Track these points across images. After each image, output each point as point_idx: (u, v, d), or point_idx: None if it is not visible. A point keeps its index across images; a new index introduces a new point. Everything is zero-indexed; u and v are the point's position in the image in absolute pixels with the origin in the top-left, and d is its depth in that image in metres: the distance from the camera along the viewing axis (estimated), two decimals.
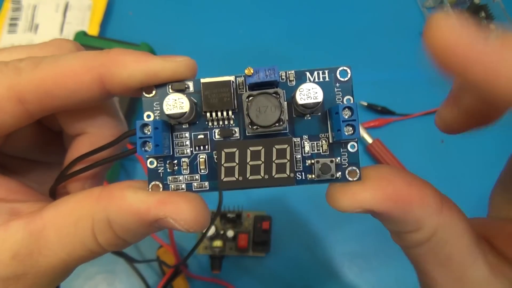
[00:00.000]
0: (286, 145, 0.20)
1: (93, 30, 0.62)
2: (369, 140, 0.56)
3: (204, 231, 0.46)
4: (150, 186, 0.21)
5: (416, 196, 0.19)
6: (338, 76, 0.21)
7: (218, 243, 0.49)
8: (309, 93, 0.20)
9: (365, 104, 0.58)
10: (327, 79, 0.21)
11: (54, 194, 0.24)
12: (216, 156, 0.21)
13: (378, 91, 0.59)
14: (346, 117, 0.19)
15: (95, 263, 0.51)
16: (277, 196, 0.55)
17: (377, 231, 0.53)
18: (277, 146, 0.20)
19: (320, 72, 0.21)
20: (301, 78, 0.21)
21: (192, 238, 0.52)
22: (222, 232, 0.50)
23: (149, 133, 0.20)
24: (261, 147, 0.20)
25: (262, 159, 0.20)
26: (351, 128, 0.19)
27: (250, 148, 0.20)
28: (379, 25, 0.64)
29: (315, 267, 0.52)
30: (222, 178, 0.20)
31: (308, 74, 0.21)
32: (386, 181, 0.19)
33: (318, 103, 0.20)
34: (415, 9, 0.65)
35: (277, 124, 0.20)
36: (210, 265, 0.50)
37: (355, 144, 0.21)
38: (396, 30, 0.64)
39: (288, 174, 0.20)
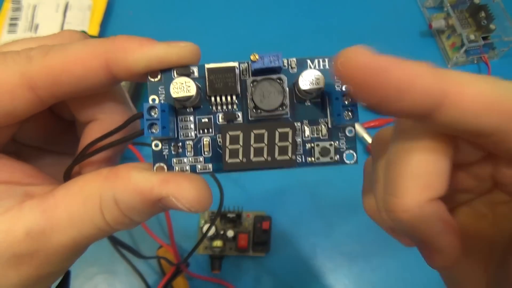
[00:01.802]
0: (289, 129, 0.21)
1: (93, 30, 0.62)
2: (369, 140, 0.56)
3: (204, 231, 0.46)
4: (155, 167, 0.22)
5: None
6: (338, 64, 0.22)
7: (218, 243, 0.49)
8: (312, 79, 0.21)
9: (365, 104, 0.58)
10: (327, 67, 0.22)
11: (69, 177, 0.25)
12: (220, 139, 0.22)
13: None
14: (346, 102, 0.20)
15: (95, 263, 0.51)
16: (277, 196, 0.55)
17: (377, 231, 0.53)
18: (279, 130, 0.21)
19: (321, 60, 0.22)
20: (302, 66, 0.22)
21: (192, 238, 0.52)
22: (222, 232, 0.50)
23: (156, 115, 0.20)
24: (264, 130, 0.21)
25: (266, 141, 0.21)
26: (350, 113, 0.20)
27: (253, 131, 0.21)
28: (379, 25, 0.64)
29: (315, 267, 0.52)
30: (226, 159, 0.21)
31: (309, 61, 0.22)
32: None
33: (320, 88, 0.21)
34: (415, 9, 0.65)
35: (280, 109, 0.21)
36: (210, 265, 0.50)
37: (353, 129, 0.22)
38: (396, 30, 0.64)
39: (290, 156, 0.21)
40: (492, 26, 0.59)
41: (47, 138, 0.27)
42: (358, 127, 0.57)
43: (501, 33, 0.59)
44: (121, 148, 0.27)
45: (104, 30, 0.64)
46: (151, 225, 0.51)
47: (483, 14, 0.60)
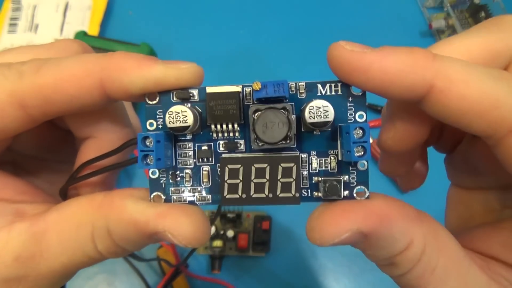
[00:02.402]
0: (293, 164, 0.19)
1: (93, 30, 0.62)
2: (369, 140, 0.56)
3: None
4: (152, 197, 0.21)
5: (396, 209, 0.18)
6: (352, 90, 0.20)
7: (218, 243, 0.49)
8: (319, 111, 0.19)
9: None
10: (339, 92, 0.20)
11: (65, 196, 0.24)
12: (219, 171, 0.20)
13: None
14: (357, 137, 0.18)
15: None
16: None
17: None
18: (283, 165, 0.19)
19: (333, 84, 0.20)
20: (312, 91, 0.20)
21: None
22: (222, 232, 0.50)
23: (150, 145, 0.19)
24: (266, 165, 0.19)
25: (267, 177, 0.19)
26: (361, 149, 0.18)
27: (255, 165, 0.19)
28: (379, 25, 0.64)
29: (315, 267, 0.52)
30: (225, 195, 0.19)
31: (319, 86, 0.20)
32: (364, 202, 0.19)
33: (329, 122, 0.19)
34: (415, 9, 0.65)
35: (283, 142, 0.19)
36: (210, 265, 0.50)
37: (365, 163, 0.20)
38: (396, 30, 0.64)
39: (294, 193, 0.19)
40: None
41: (44, 147, 0.27)
42: None
43: None
44: (117, 172, 0.26)
45: (104, 30, 0.64)
46: None
47: (483, 14, 0.60)
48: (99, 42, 0.58)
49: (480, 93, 0.16)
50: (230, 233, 0.50)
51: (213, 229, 0.50)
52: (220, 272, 0.50)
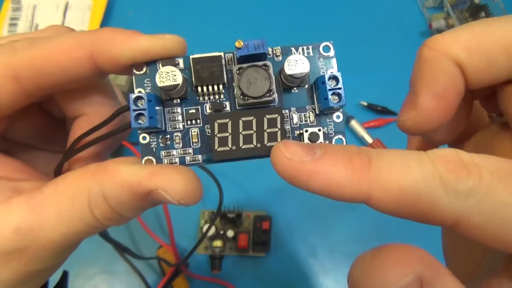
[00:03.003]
0: (277, 115, 0.21)
1: None
2: (369, 140, 0.56)
3: (204, 231, 0.46)
4: (143, 160, 0.22)
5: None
6: (321, 51, 0.22)
7: (218, 243, 0.49)
8: (296, 63, 0.21)
9: (365, 104, 0.58)
10: (311, 54, 0.22)
11: (60, 173, 0.25)
12: (209, 129, 0.22)
13: (378, 91, 0.59)
14: (332, 86, 0.21)
15: (95, 263, 0.51)
16: (277, 196, 0.55)
17: (377, 231, 0.53)
18: (268, 116, 0.21)
19: (305, 47, 0.22)
20: (287, 54, 0.22)
21: (192, 238, 0.52)
22: (222, 232, 0.50)
23: (142, 106, 0.20)
24: (252, 117, 0.21)
25: (254, 128, 0.21)
26: (336, 97, 0.20)
27: (242, 118, 0.21)
28: (379, 25, 0.64)
29: (315, 267, 0.52)
30: (216, 148, 0.21)
31: (293, 49, 0.22)
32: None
33: (305, 73, 0.21)
34: (415, 9, 0.65)
35: (267, 95, 0.21)
36: (210, 265, 0.50)
37: (340, 115, 0.22)
38: (396, 30, 0.64)
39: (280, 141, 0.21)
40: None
41: (38, 136, 0.27)
42: (358, 127, 0.57)
43: None
44: (110, 143, 0.27)
45: None
46: (151, 224, 0.51)
47: (483, 14, 0.60)
48: None
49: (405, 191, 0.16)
50: (230, 233, 0.50)
51: (213, 229, 0.50)
52: (220, 272, 0.50)
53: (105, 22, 0.64)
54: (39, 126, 0.27)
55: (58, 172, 0.24)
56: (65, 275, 0.28)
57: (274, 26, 0.65)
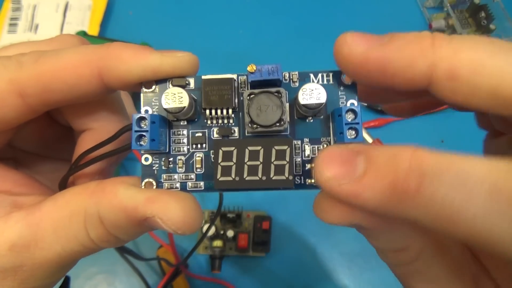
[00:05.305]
0: (286, 146, 0.19)
1: (93, 30, 0.62)
2: (369, 140, 0.56)
3: (204, 231, 0.46)
4: (143, 183, 0.21)
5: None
6: (343, 79, 0.20)
7: (218, 243, 0.49)
8: (312, 93, 0.19)
9: (365, 104, 0.58)
10: (331, 82, 0.20)
11: (65, 187, 0.24)
12: (213, 154, 0.20)
13: None
14: (349, 120, 0.19)
15: (95, 263, 0.51)
16: (277, 196, 0.55)
17: None
18: (276, 147, 0.19)
19: (325, 74, 0.21)
20: (304, 80, 0.21)
21: (192, 238, 0.52)
22: (222, 232, 0.50)
23: (145, 127, 0.19)
24: (260, 147, 0.19)
25: (261, 159, 0.19)
26: (353, 132, 0.19)
27: (248, 147, 0.19)
28: (379, 25, 0.64)
29: (315, 267, 0.52)
30: (218, 177, 0.19)
31: (312, 75, 0.21)
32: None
33: (321, 104, 0.19)
34: (415, 9, 0.65)
35: (277, 124, 0.19)
36: (210, 265, 0.50)
37: None
38: (396, 30, 0.63)
39: (287, 176, 0.19)
40: (492, 26, 0.59)
41: (45, 144, 0.27)
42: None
43: (501, 33, 0.59)
44: (115, 160, 0.26)
45: (104, 30, 0.64)
46: None
47: (483, 14, 0.59)
48: (99, 42, 0.57)
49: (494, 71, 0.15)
50: (230, 233, 0.50)
51: (213, 229, 0.50)
52: (220, 272, 0.50)
53: (105, 22, 0.64)
54: (46, 134, 0.26)
55: (63, 186, 0.24)
56: (67, 280, 0.27)
57: (274, 26, 0.65)
